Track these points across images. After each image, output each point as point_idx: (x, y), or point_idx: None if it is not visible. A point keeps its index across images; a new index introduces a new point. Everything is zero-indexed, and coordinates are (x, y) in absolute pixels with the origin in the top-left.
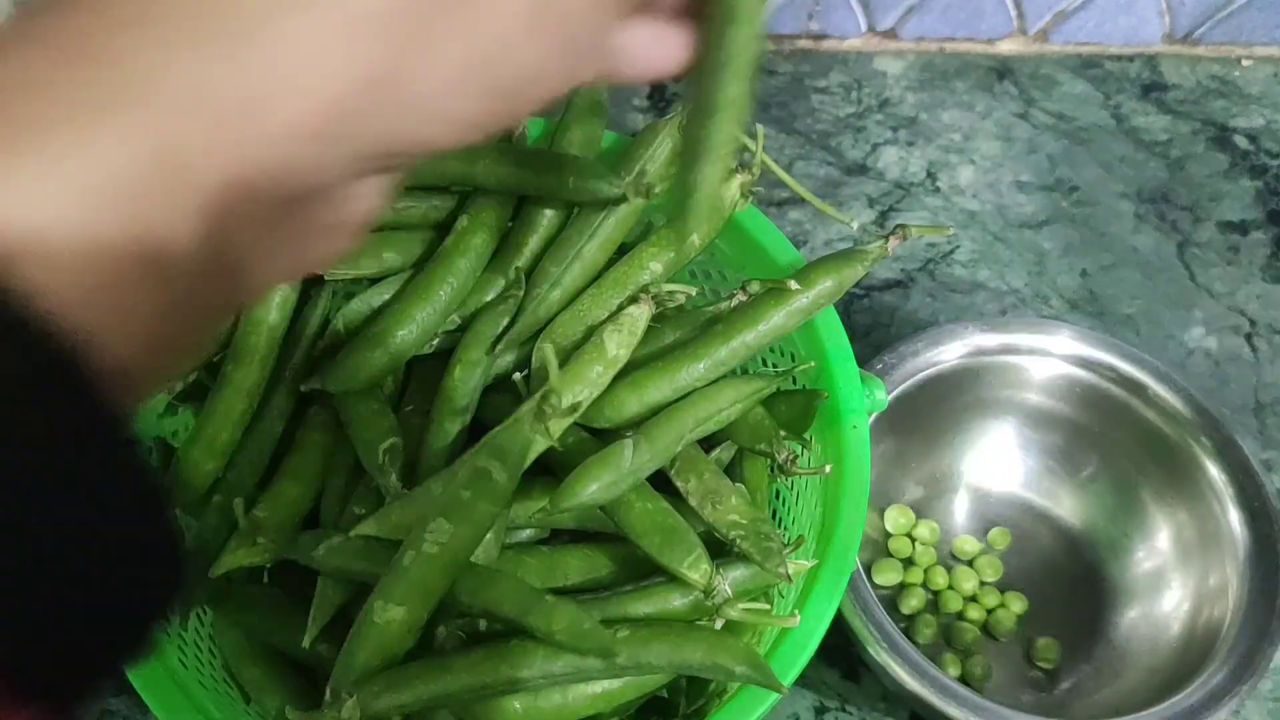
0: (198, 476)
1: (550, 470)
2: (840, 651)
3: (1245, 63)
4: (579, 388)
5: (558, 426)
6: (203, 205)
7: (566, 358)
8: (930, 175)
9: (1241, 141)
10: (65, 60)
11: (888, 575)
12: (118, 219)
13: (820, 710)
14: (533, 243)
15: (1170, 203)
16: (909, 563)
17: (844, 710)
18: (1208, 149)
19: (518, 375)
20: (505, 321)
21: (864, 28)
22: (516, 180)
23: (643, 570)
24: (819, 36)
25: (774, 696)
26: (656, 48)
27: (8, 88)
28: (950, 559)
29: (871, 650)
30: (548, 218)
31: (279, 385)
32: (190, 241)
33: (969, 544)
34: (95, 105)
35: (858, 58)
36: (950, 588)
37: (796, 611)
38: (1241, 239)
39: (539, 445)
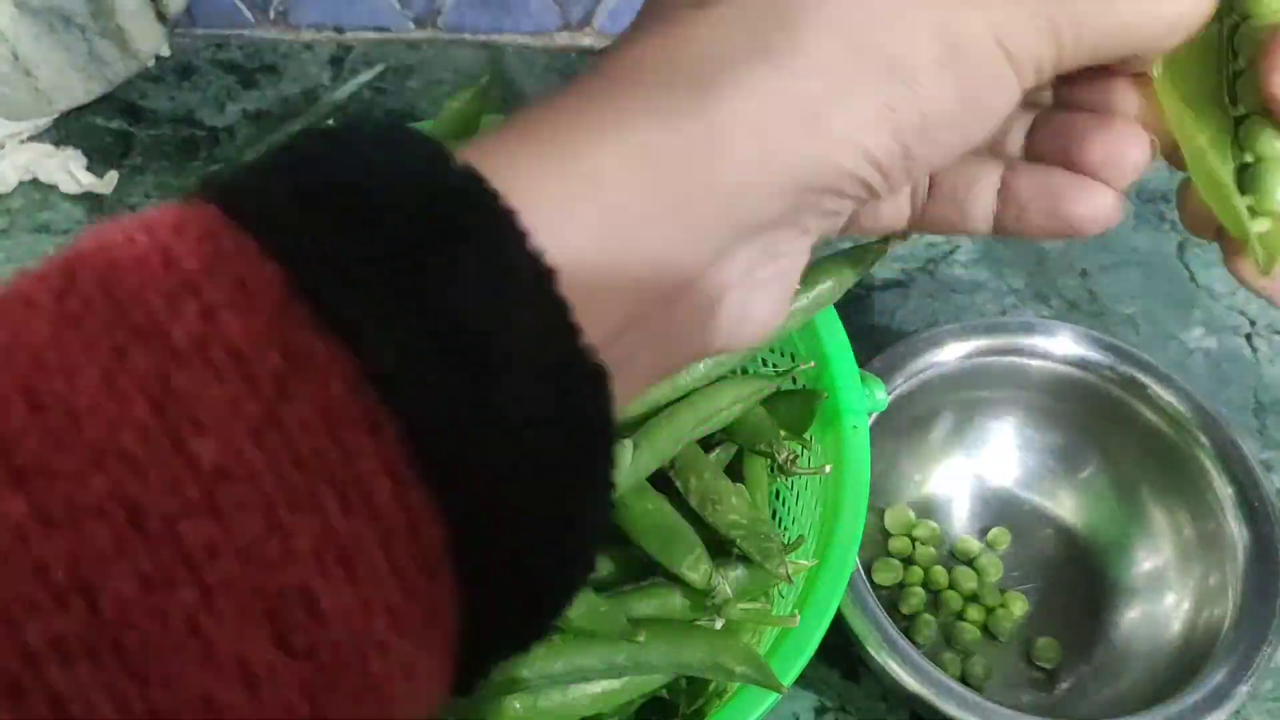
0: None
1: None
2: (840, 651)
3: None
4: None
5: None
6: (718, 235)
7: None
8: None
9: None
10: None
11: (888, 575)
12: (648, 248)
13: (820, 710)
14: None
15: (1170, 203)
16: (909, 563)
17: (844, 710)
18: None
19: None
20: None
21: None
22: None
23: (643, 570)
24: None
25: (774, 696)
26: (1059, 199)
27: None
28: (950, 559)
29: (871, 650)
30: None
31: None
32: (700, 272)
33: (969, 544)
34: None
35: None
36: (950, 588)
37: (796, 612)
38: None
39: None
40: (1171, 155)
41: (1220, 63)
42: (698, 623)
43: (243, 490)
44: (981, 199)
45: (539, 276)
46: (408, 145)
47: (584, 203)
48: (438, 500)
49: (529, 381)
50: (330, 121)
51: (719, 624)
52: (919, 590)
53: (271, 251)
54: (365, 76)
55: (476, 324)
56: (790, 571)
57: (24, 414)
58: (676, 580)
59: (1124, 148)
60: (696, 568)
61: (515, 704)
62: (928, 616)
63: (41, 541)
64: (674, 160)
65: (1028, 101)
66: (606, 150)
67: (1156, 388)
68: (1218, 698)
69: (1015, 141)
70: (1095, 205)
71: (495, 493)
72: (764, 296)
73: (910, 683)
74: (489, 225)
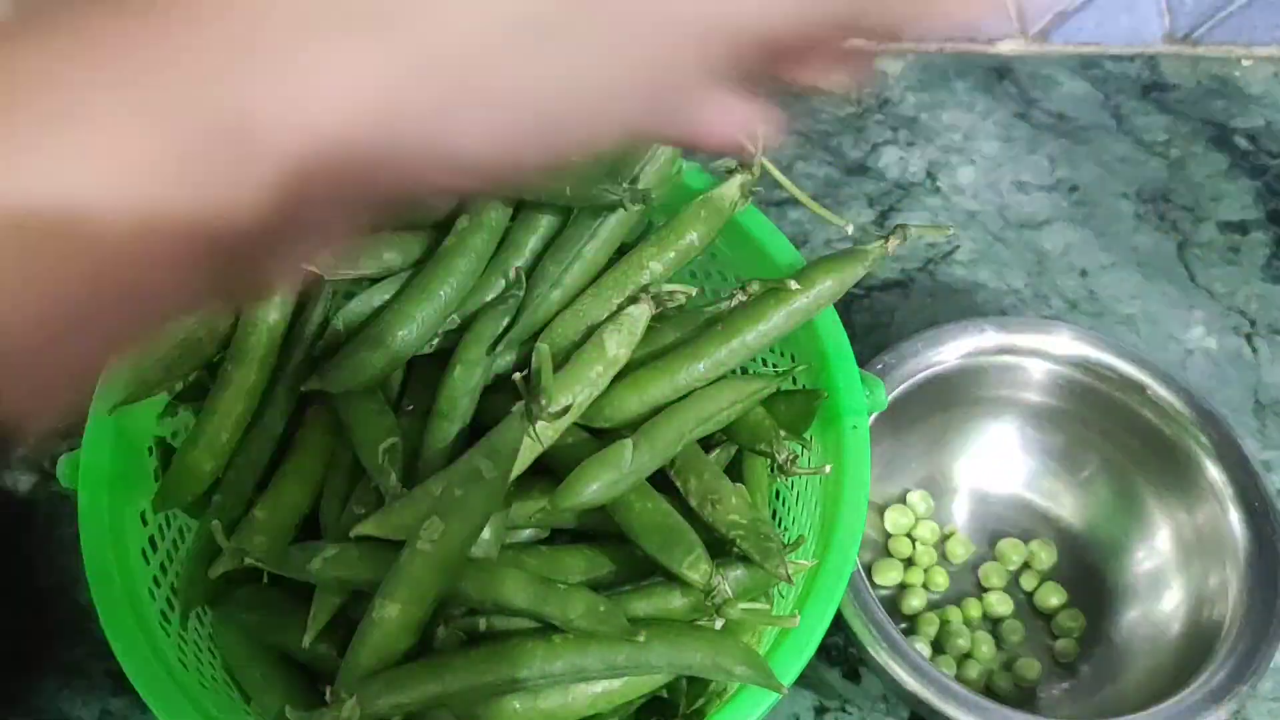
0: (198, 476)
1: (550, 470)
2: (840, 651)
3: (1245, 63)
4: (578, 387)
5: (552, 428)
6: (263, 181)
7: (566, 358)
8: (930, 175)
9: (1241, 141)
10: (126, 39)
11: (888, 575)
12: (182, 191)
13: (820, 710)
14: (532, 243)
15: (1170, 203)
16: (909, 563)
17: (844, 710)
18: (1208, 149)
19: (517, 375)
20: (505, 321)
21: None
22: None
23: (643, 570)
24: None
25: (774, 695)
26: (733, 118)
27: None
28: (947, 561)
29: (871, 650)
30: (547, 218)
31: (279, 385)
32: (249, 219)
33: (968, 546)
34: (157, 83)
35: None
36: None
37: (797, 612)
38: (1241, 239)
39: (530, 445)
40: None
41: None
42: (698, 623)
43: None
44: None
45: None
46: None
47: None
48: None
49: None
50: None
51: (719, 624)
52: (919, 590)
53: None
54: None
55: None
56: (790, 571)
57: None
58: (676, 580)
59: None
60: (697, 567)
61: (515, 704)
62: (928, 616)
63: None
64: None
65: None
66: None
67: (1156, 388)
68: (1218, 697)
69: None
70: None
71: None
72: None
73: (910, 683)
74: None
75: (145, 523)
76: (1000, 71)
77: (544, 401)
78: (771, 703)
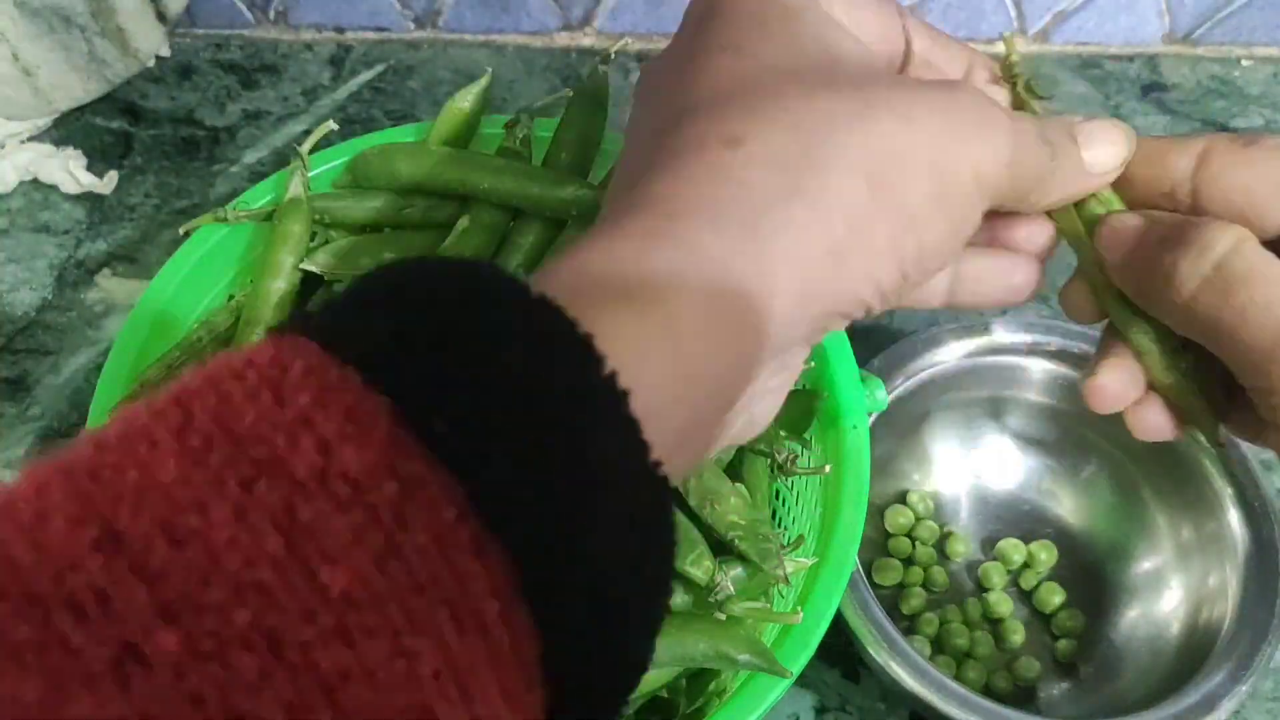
0: None
1: None
2: (840, 651)
3: (1245, 63)
4: None
5: None
6: (763, 361)
7: None
8: None
9: None
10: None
11: (888, 575)
12: (709, 376)
13: (820, 710)
14: (530, 244)
15: None
16: (909, 562)
17: (844, 710)
18: None
19: None
20: None
21: None
22: (512, 192)
23: None
24: None
25: (774, 695)
26: (999, 277)
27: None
28: (947, 559)
29: (871, 650)
30: (546, 220)
31: None
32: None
33: (968, 546)
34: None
35: None
36: (951, 589)
37: (800, 608)
38: None
39: None
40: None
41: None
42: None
43: (370, 616)
44: (939, 281)
45: (624, 419)
46: (491, 282)
47: (658, 346)
48: (535, 618)
49: (612, 509)
50: (331, 123)
51: (723, 619)
52: (919, 591)
53: (377, 385)
54: (365, 76)
55: (569, 460)
56: (789, 571)
57: (166, 551)
58: (678, 577)
59: (1035, 230)
60: (699, 564)
61: None
62: (928, 616)
63: (195, 674)
64: (731, 299)
65: None
66: (676, 296)
67: None
68: (1218, 697)
69: None
70: (1030, 274)
71: (585, 607)
72: (770, 401)
73: (910, 683)
74: (580, 370)
75: None
76: None
77: None
78: (772, 701)
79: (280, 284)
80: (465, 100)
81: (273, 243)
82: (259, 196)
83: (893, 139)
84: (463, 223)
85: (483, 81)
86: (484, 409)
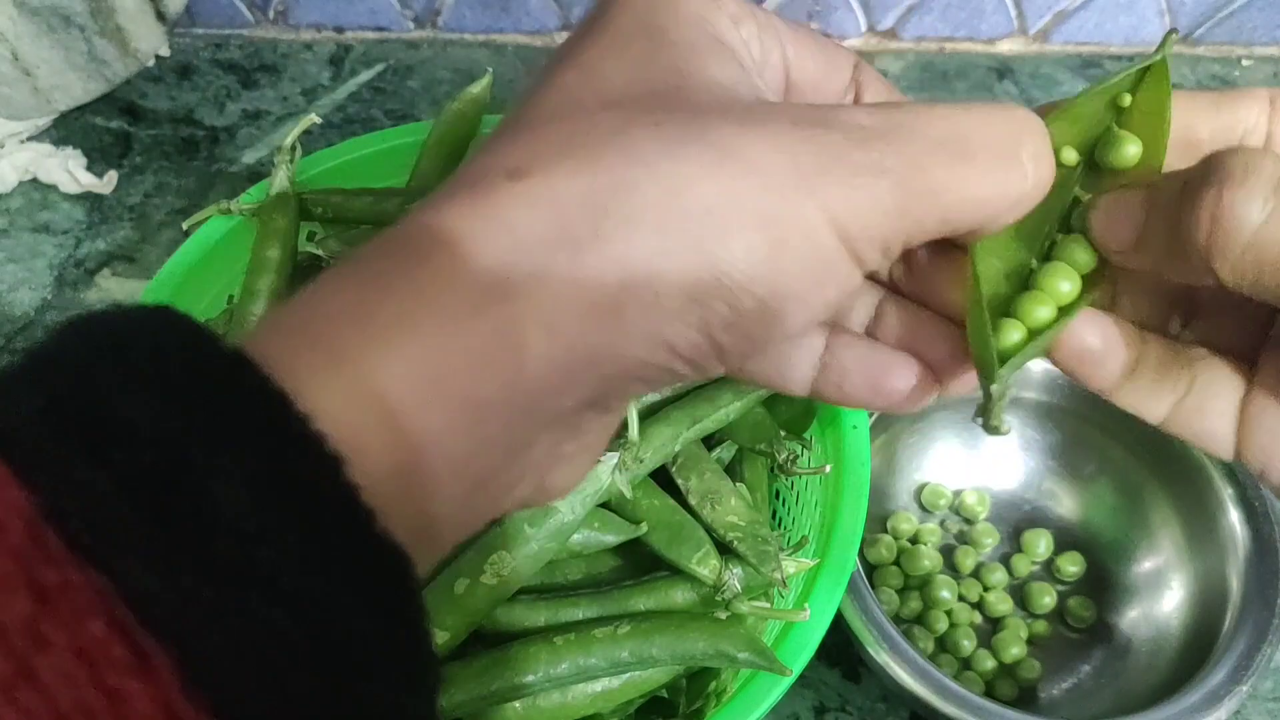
0: None
1: None
2: (840, 651)
3: (1245, 62)
4: (659, 443)
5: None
6: (516, 435)
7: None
8: None
9: None
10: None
11: (888, 576)
12: (442, 458)
13: (820, 710)
14: None
15: None
16: (911, 564)
17: (844, 710)
18: None
19: None
20: None
21: (864, 27)
22: None
23: (645, 567)
24: None
25: (775, 695)
26: (868, 376)
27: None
28: (951, 558)
29: (872, 651)
30: None
31: None
32: (497, 469)
33: (973, 548)
34: (468, 308)
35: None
36: (951, 589)
37: (806, 606)
38: None
39: (612, 492)
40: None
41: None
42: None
43: None
44: (801, 365)
45: (342, 488)
46: (174, 342)
47: (373, 424)
48: None
49: (313, 594)
50: (314, 116)
51: (723, 617)
52: (919, 592)
53: (18, 476)
54: (365, 76)
55: (246, 543)
56: (790, 573)
57: None
58: (679, 575)
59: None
60: (706, 562)
61: (515, 704)
62: (929, 615)
63: None
64: (466, 364)
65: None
66: (394, 362)
67: None
68: (1218, 697)
69: (858, 317)
70: (909, 380)
71: (278, 711)
72: (566, 469)
73: (910, 683)
74: (262, 426)
75: None
76: (1000, 71)
77: (635, 453)
78: (772, 701)
79: (270, 278)
80: (465, 100)
81: (260, 238)
82: (264, 192)
83: (706, 180)
84: None
85: (483, 81)
86: (137, 502)
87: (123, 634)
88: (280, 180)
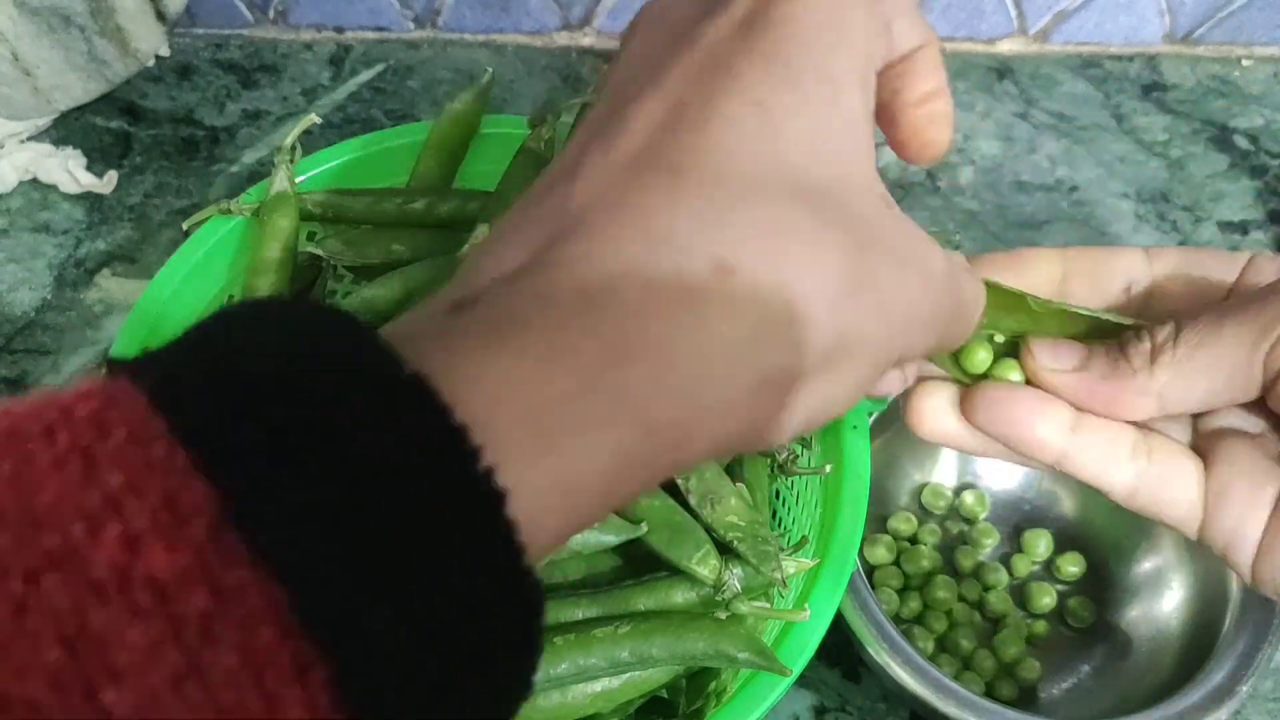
0: None
1: None
2: (840, 651)
3: (1245, 62)
4: None
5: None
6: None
7: None
8: (930, 175)
9: (1242, 141)
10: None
11: (889, 576)
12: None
13: (820, 710)
14: None
15: (1170, 203)
16: (911, 564)
17: (844, 710)
18: (1208, 149)
19: None
20: None
21: None
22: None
23: (645, 567)
24: None
25: (775, 695)
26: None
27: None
28: (952, 558)
29: (872, 651)
30: None
31: None
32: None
33: (973, 550)
34: (597, 420)
35: None
36: (950, 589)
37: (807, 606)
38: (1242, 239)
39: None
40: None
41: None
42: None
43: None
44: None
45: (498, 523)
46: (361, 349)
47: (557, 512)
48: None
49: (467, 627)
50: (315, 115)
51: (723, 617)
52: (919, 592)
53: (204, 469)
54: (365, 76)
55: (421, 569)
56: (790, 572)
57: None
58: (679, 575)
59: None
60: (706, 563)
61: None
62: (929, 615)
63: None
64: (642, 460)
65: None
66: (598, 457)
67: None
68: (1218, 698)
69: None
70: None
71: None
72: None
73: (911, 683)
74: (450, 466)
75: None
76: (1000, 71)
77: None
78: (772, 701)
79: (271, 278)
80: (463, 100)
81: (260, 238)
82: (264, 192)
83: (854, 321)
84: (481, 230)
85: (483, 81)
86: (324, 507)
87: (289, 640)
88: (280, 180)
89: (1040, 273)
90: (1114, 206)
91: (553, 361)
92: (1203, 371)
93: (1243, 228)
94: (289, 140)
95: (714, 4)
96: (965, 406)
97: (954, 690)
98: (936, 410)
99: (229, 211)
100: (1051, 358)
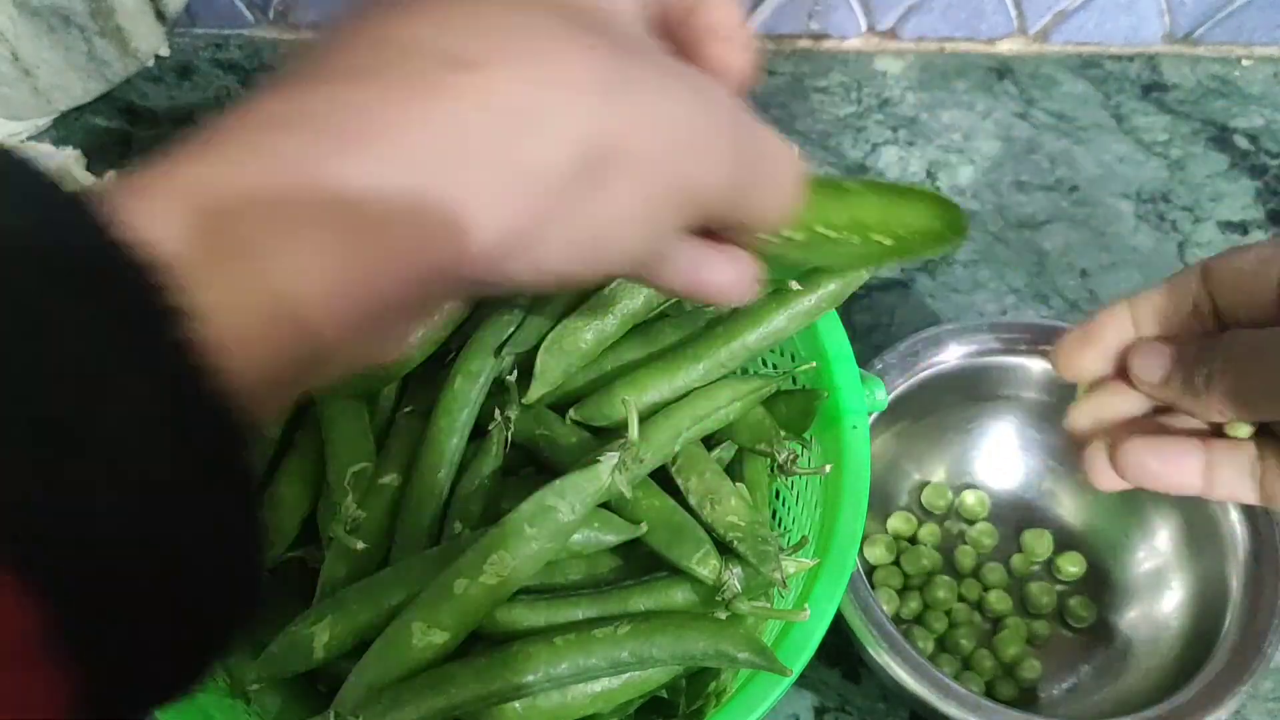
0: None
1: (546, 466)
2: (840, 652)
3: (1245, 62)
4: (658, 445)
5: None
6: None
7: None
8: (930, 175)
9: (1241, 141)
10: (282, 177)
11: (889, 575)
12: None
13: (820, 711)
14: None
15: (1170, 203)
16: (911, 564)
17: (844, 711)
18: (1208, 149)
19: (510, 376)
20: (510, 331)
21: (864, 27)
22: None
23: (645, 567)
24: (819, 36)
25: (775, 695)
26: (701, 270)
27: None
28: (951, 558)
29: (872, 651)
30: None
31: None
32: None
33: (972, 548)
34: (307, 220)
35: (858, 57)
36: (950, 588)
37: (806, 606)
38: (1241, 239)
39: (612, 492)
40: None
41: None
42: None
43: None
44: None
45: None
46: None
47: (268, 322)
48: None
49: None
50: None
51: (724, 618)
52: (919, 592)
53: None
54: None
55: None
56: (790, 573)
57: None
58: (679, 575)
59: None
60: (706, 562)
61: (515, 704)
62: (929, 615)
63: None
64: (388, 257)
65: None
66: (306, 261)
67: None
68: (1218, 698)
69: None
70: (735, 272)
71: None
72: (395, 345)
73: (910, 683)
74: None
75: None
76: (1000, 71)
77: (636, 453)
78: (772, 701)
79: None
80: None
81: None
82: None
83: (615, 132)
84: None
85: None
86: None
87: None
88: None
89: (1116, 334)
90: (1114, 206)
91: (245, 163)
92: (1260, 393)
93: (1243, 227)
94: None
95: None
96: (1116, 463)
97: (954, 690)
98: (1099, 464)
99: None
100: (1142, 368)
